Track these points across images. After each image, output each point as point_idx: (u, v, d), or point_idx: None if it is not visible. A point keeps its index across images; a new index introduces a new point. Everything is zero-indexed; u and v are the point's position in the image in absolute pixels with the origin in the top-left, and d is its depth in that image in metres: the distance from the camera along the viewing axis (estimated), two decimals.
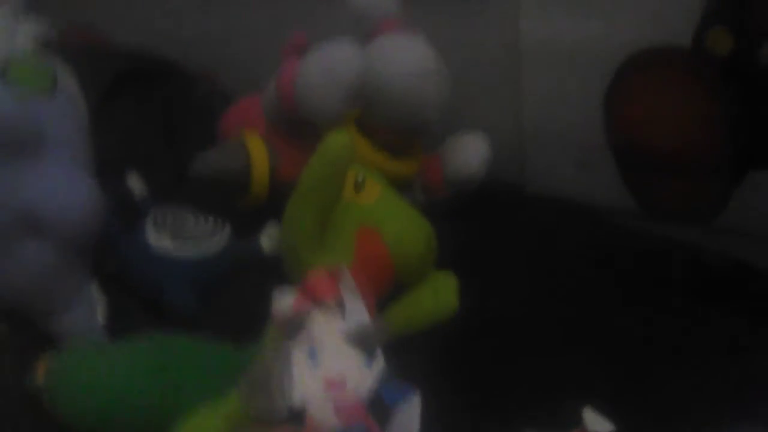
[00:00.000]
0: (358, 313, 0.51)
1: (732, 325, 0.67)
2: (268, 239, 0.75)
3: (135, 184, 0.79)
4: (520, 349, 0.66)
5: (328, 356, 0.48)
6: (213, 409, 0.52)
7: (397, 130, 0.75)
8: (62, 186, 0.65)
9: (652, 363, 0.64)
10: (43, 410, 0.57)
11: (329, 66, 0.70)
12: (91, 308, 0.67)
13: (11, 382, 0.59)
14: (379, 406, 0.49)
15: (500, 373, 0.64)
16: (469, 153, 0.81)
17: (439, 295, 0.69)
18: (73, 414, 0.56)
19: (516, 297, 0.72)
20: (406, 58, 0.72)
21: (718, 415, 0.56)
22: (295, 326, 0.49)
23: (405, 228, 0.66)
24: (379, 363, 0.50)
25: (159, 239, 0.71)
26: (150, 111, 0.89)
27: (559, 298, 0.72)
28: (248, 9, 1.00)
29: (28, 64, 0.72)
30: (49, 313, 0.66)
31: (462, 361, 0.64)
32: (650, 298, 0.71)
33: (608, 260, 0.77)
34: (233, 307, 0.69)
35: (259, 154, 0.74)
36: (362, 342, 0.50)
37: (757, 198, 0.76)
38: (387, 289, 0.66)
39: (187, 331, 0.62)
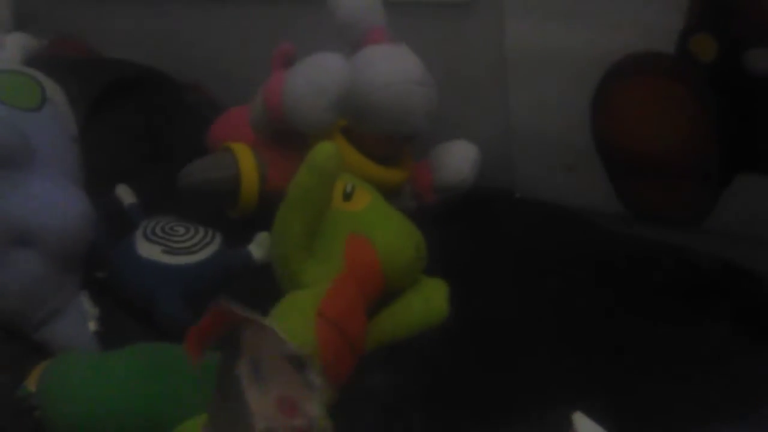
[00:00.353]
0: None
1: (721, 327, 0.67)
2: (258, 248, 0.75)
3: (125, 194, 0.79)
4: (510, 354, 0.66)
5: (272, 373, 0.45)
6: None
7: (384, 138, 0.75)
8: (52, 198, 0.65)
9: (641, 366, 0.64)
10: (35, 420, 0.57)
11: (316, 76, 0.70)
12: (82, 318, 0.67)
13: (3, 392, 0.59)
14: None
15: (490, 378, 0.64)
16: (459, 159, 0.82)
17: (430, 301, 0.69)
18: (64, 424, 0.56)
19: (505, 301, 0.72)
20: (392, 68, 0.72)
21: (707, 418, 0.56)
22: (235, 342, 0.46)
23: (394, 235, 0.66)
24: (319, 383, 0.46)
25: (149, 250, 0.71)
26: (139, 122, 0.89)
27: (549, 302, 0.72)
28: (236, 20, 1.00)
29: (15, 79, 0.72)
30: (40, 324, 0.66)
31: (451, 366, 0.64)
32: (639, 301, 0.71)
33: (597, 263, 0.77)
34: None
35: (247, 163, 0.74)
36: (300, 365, 0.46)
37: (745, 200, 0.76)
38: (377, 295, 0.66)
39: (178, 340, 0.62)
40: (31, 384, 0.58)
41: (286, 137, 0.74)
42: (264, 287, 0.66)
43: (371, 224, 0.66)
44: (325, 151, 0.60)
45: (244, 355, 0.45)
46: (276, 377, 0.45)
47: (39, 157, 0.67)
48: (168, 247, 0.71)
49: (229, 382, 0.45)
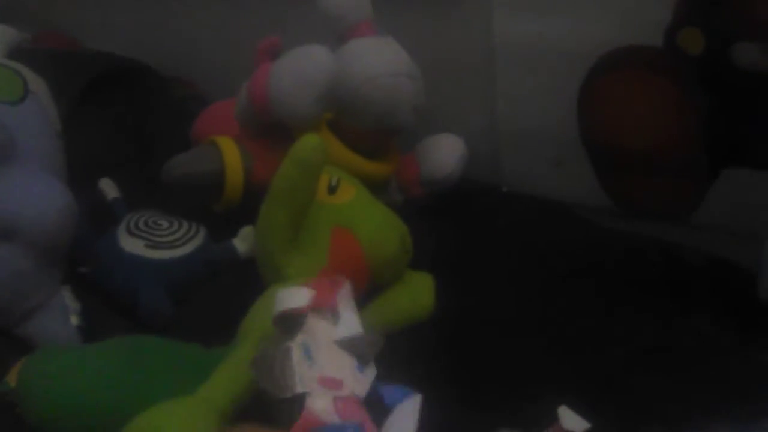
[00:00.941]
0: (351, 323, 0.52)
1: (708, 322, 0.68)
2: (242, 242, 0.75)
3: (108, 189, 0.78)
4: (497, 348, 0.66)
5: (323, 357, 0.49)
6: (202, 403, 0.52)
7: (371, 132, 0.75)
8: (34, 192, 0.65)
9: (630, 361, 0.64)
10: (16, 416, 0.57)
11: (301, 69, 0.70)
12: (64, 313, 0.67)
13: None
14: (379, 407, 0.49)
15: (476, 372, 0.64)
16: (445, 153, 0.82)
17: (416, 295, 0.69)
18: (45, 417, 0.55)
19: (492, 296, 0.72)
20: (378, 61, 0.72)
21: (693, 413, 0.56)
22: (291, 325, 0.49)
23: (379, 228, 0.66)
24: (372, 371, 0.51)
25: (132, 244, 0.71)
26: (123, 115, 0.88)
27: (536, 297, 0.72)
28: (222, 13, 1.00)
29: None
30: (21, 319, 0.66)
31: (438, 360, 0.64)
32: (628, 296, 0.71)
33: (584, 258, 0.77)
34: (208, 310, 0.69)
35: (232, 156, 0.74)
36: (354, 350, 0.50)
37: (733, 194, 0.77)
38: (362, 289, 0.65)
39: (162, 334, 0.62)
40: (12, 380, 0.58)
41: (271, 131, 0.73)
42: (248, 281, 0.65)
43: (356, 217, 0.65)
44: (309, 143, 0.60)
45: (299, 336, 0.49)
46: (324, 360, 0.49)
47: (21, 151, 0.66)
48: (151, 241, 0.71)
49: (278, 352, 0.48)
